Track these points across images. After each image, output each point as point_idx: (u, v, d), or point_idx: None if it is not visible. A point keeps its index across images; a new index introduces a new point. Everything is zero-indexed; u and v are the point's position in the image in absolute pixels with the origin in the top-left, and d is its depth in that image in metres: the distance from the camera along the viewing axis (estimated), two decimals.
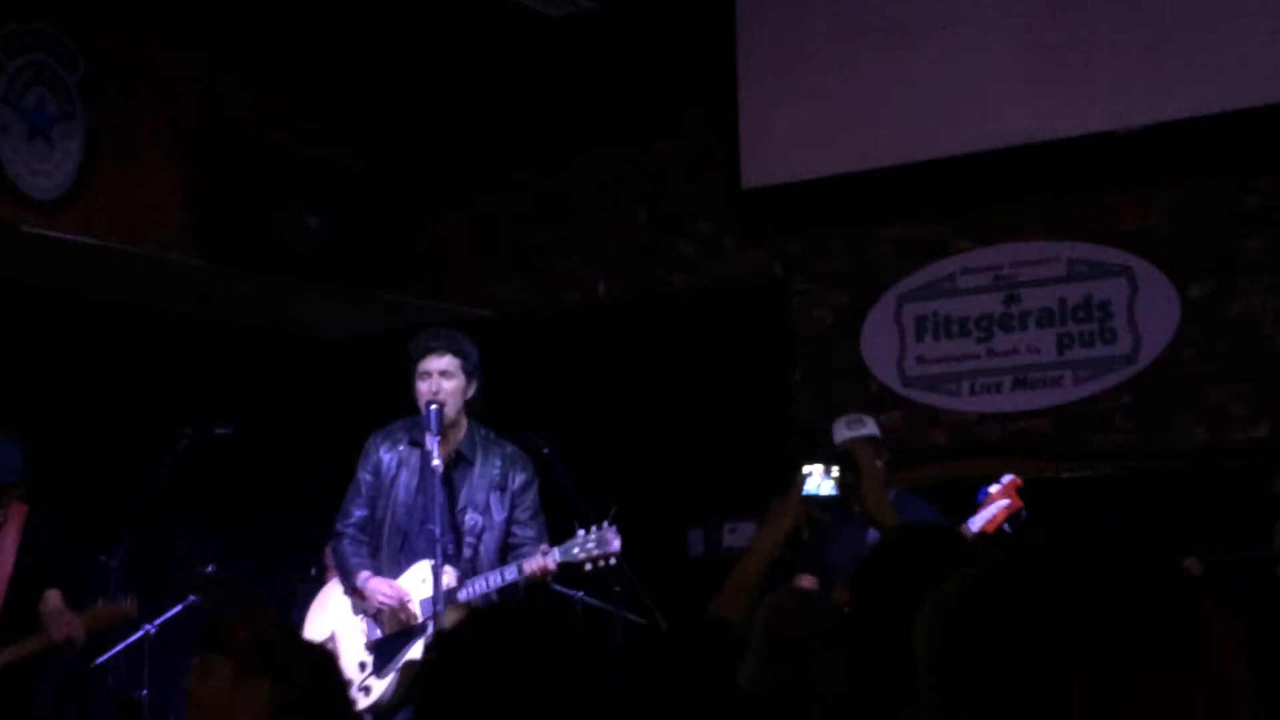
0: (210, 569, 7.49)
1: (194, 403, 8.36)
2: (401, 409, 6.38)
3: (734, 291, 9.01)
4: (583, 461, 7.02)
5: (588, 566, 5.99)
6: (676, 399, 8.90)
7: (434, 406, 6.01)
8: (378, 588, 6.12)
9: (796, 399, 8.72)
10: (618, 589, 6.96)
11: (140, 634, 7.15)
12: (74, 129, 7.63)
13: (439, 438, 6.00)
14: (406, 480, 6.22)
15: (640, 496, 6.93)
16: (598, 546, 5.94)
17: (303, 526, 8.53)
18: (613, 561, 5.98)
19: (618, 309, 9.37)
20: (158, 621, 7.19)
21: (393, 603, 6.08)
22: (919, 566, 2.83)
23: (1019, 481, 6.41)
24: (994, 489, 6.40)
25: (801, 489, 3.91)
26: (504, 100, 9.50)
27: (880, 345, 8.56)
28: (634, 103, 9.33)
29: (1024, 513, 6.30)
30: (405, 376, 6.23)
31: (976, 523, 6.29)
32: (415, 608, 6.05)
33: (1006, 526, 6.25)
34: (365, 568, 6.18)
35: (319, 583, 8.01)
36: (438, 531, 5.86)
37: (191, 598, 7.35)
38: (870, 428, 6.79)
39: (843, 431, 6.69)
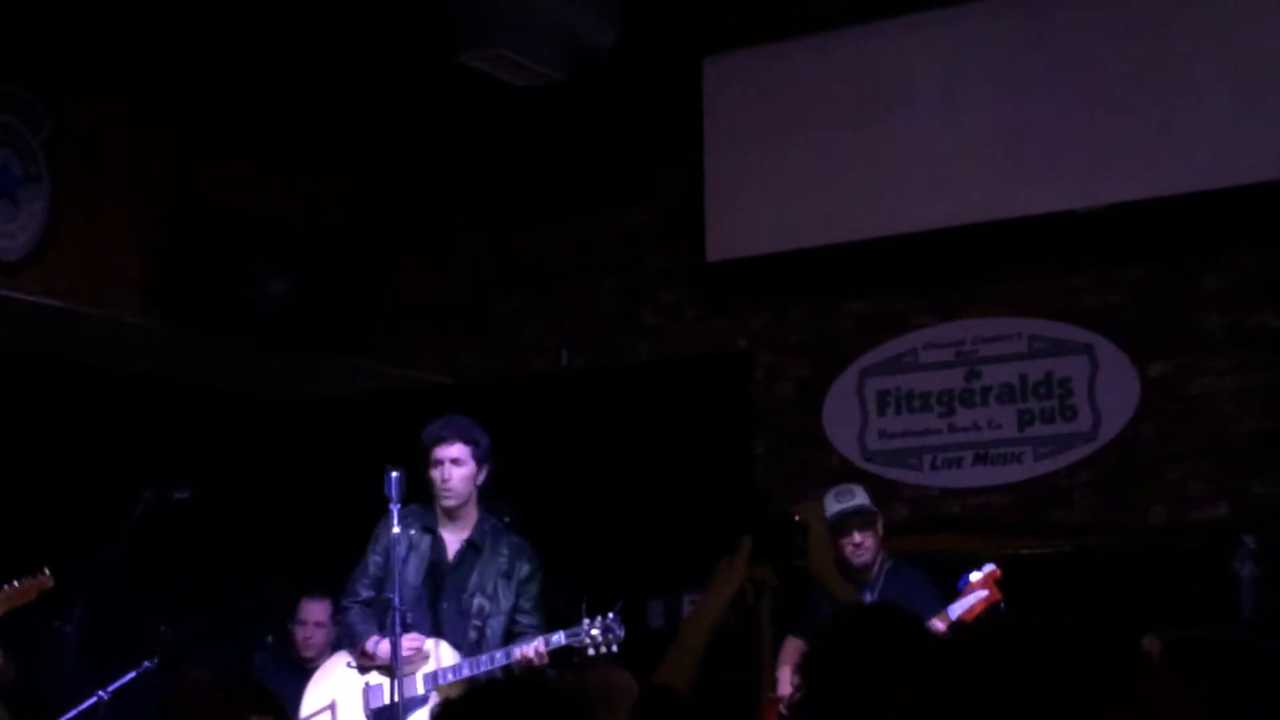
0: (166, 634, 7.42)
1: (154, 466, 8.30)
2: (366, 474, 6.40)
3: (697, 363, 9.02)
4: (544, 531, 6.99)
5: (590, 651, 6.13)
6: (638, 469, 8.88)
7: (394, 474, 6.13)
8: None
9: (758, 471, 8.73)
10: (576, 660, 6.93)
11: (94, 700, 7.06)
12: (39, 190, 7.62)
13: (398, 504, 6.13)
14: (416, 565, 6.39)
15: (601, 567, 6.92)
16: (603, 634, 6.09)
17: (261, 593, 8.47)
18: (615, 649, 6.10)
19: (581, 378, 9.37)
20: (112, 687, 7.10)
21: (413, 653, 6.19)
22: (866, 653, 2.84)
23: (998, 573, 6.42)
24: (974, 578, 6.40)
25: (748, 553, 3.90)
26: (472, 168, 9.53)
27: (842, 419, 8.58)
28: (601, 173, 9.38)
29: (1001, 605, 6.31)
30: (420, 464, 6.39)
31: (955, 610, 6.30)
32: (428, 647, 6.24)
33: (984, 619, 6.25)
34: (374, 633, 6.31)
35: (276, 650, 7.97)
36: (396, 600, 6.03)
37: (146, 663, 7.27)
38: (859, 499, 6.79)
39: (831, 505, 6.67)
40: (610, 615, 6.14)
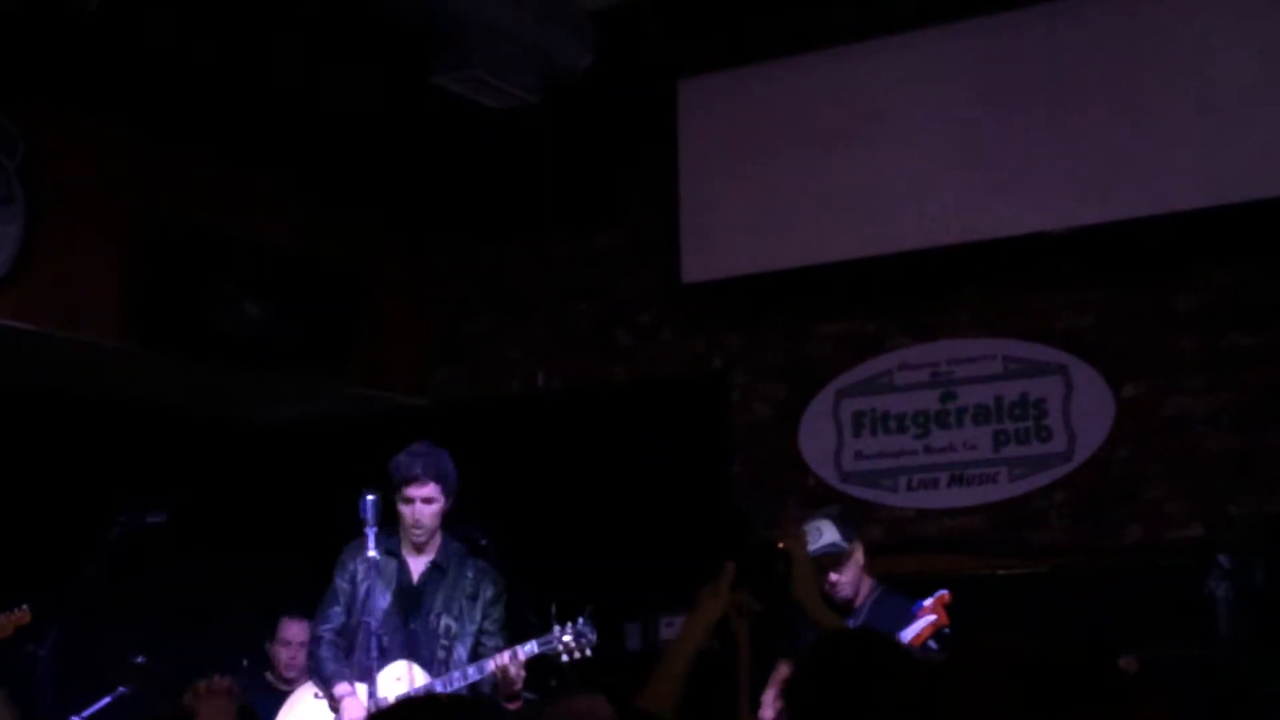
0: (140, 660, 7.39)
1: (129, 489, 8.27)
2: (341, 496, 6.39)
3: (673, 383, 9.03)
4: (520, 553, 6.99)
5: (564, 658, 6.20)
6: (614, 490, 8.88)
7: (370, 497, 6.14)
8: (351, 713, 6.23)
9: (734, 492, 8.73)
10: (554, 683, 6.92)
11: None
12: (12, 214, 7.59)
13: (374, 527, 6.15)
14: (382, 588, 6.41)
15: (577, 589, 6.91)
16: (575, 640, 6.14)
17: (236, 616, 8.43)
18: (589, 653, 6.17)
19: (557, 399, 9.36)
20: (86, 713, 7.08)
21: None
22: (845, 678, 2.86)
23: (947, 598, 6.40)
24: (927, 603, 6.40)
25: (729, 579, 3.89)
26: (446, 189, 9.52)
27: (818, 440, 8.58)
28: (576, 194, 9.38)
29: (947, 629, 6.30)
30: (390, 489, 6.39)
31: (906, 635, 6.30)
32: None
33: (932, 643, 6.25)
34: (342, 678, 6.32)
35: (251, 675, 7.95)
36: (374, 624, 6.09)
37: (121, 689, 7.24)
38: (826, 537, 6.57)
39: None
40: (580, 620, 6.18)
